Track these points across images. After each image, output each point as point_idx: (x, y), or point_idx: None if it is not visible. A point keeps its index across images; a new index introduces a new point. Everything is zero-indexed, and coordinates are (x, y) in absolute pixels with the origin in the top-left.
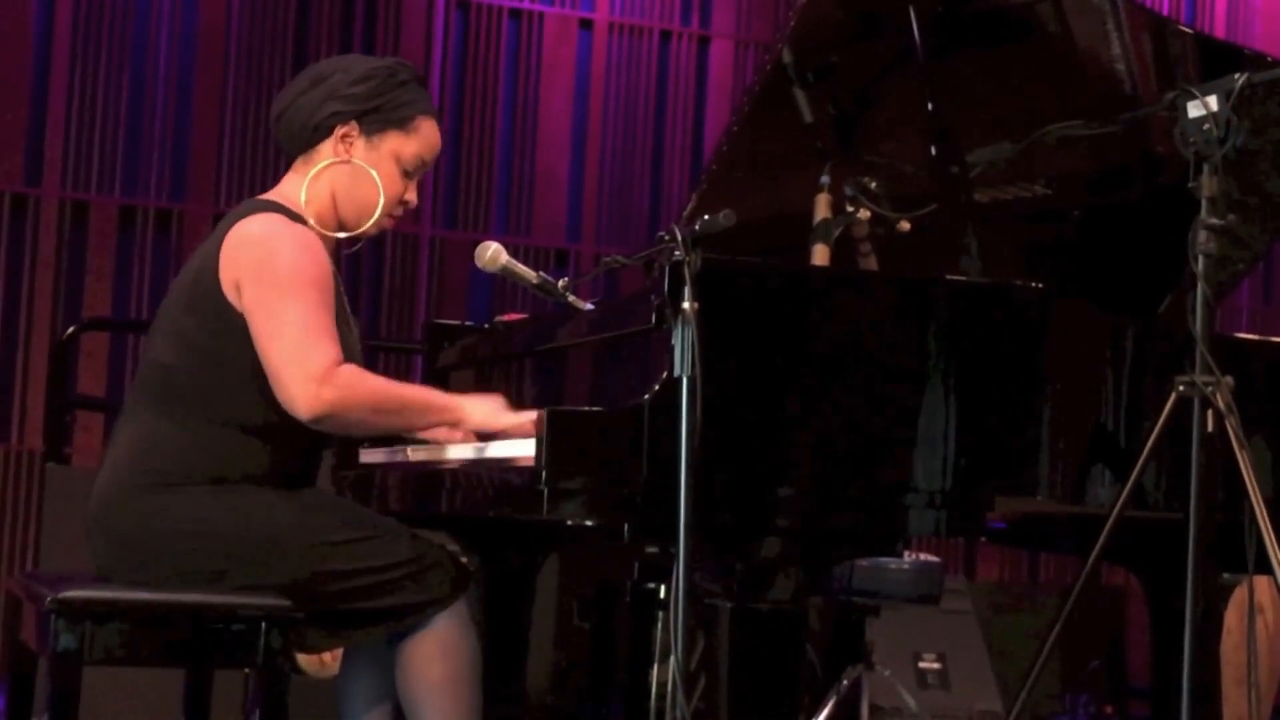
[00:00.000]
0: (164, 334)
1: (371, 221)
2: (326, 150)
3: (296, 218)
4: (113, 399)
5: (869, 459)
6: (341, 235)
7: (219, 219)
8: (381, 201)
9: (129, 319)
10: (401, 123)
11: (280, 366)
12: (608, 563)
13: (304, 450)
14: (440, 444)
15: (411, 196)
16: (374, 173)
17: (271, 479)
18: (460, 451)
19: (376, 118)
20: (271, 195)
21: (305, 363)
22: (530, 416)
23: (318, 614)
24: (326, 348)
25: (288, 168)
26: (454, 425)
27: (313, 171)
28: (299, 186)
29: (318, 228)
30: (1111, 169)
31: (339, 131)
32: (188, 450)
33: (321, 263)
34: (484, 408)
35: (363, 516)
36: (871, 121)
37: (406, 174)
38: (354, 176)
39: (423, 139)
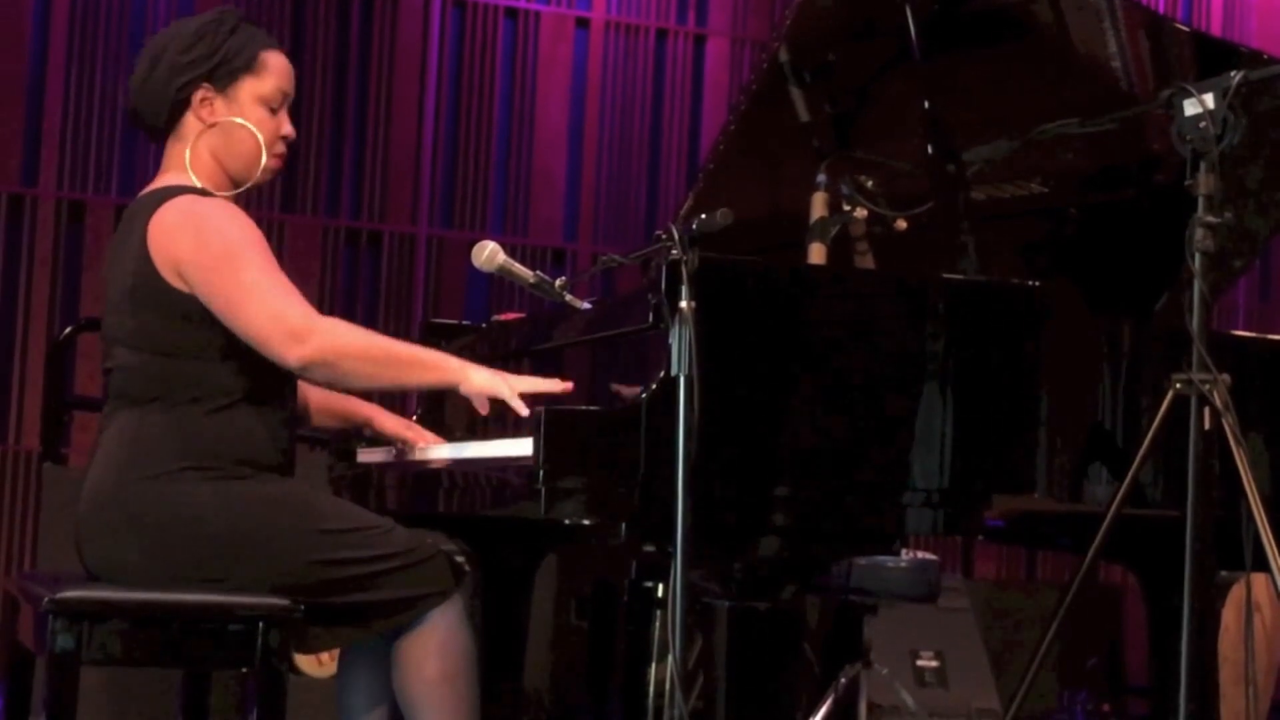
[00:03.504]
0: (120, 341)
1: (260, 168)
2: (191, 121)
3: (200, 193)
4: None
5: (866, 458)
6: (240, 191)
7: None
8: (262, 146)
9: None
10: (248, 66)
11: (259, 328)
12: (605, 562)
13: (280, 427)
14: (429, 445)
15: (288, 130)
16: (243, 122)
17: (261, 462)
18: (457, 451)
19: (223, 71)
20: (159, 184)
21: (286, 317)
22: (541, 384)
23: (314, 610)
24: (297, 301)
25: (160, 153)
26: (452, 385)
27: (189, 145)
28: (182, 165)
29: (219, 194)
30: (1108, 167)
31: (196, 97)
32: (178, 437)
33: (249, 224)
34: (486, 373)
35: (356, 510)
36: (868, 120)
37: (272, 110)
38: (226, 133)
39: (273, 72)
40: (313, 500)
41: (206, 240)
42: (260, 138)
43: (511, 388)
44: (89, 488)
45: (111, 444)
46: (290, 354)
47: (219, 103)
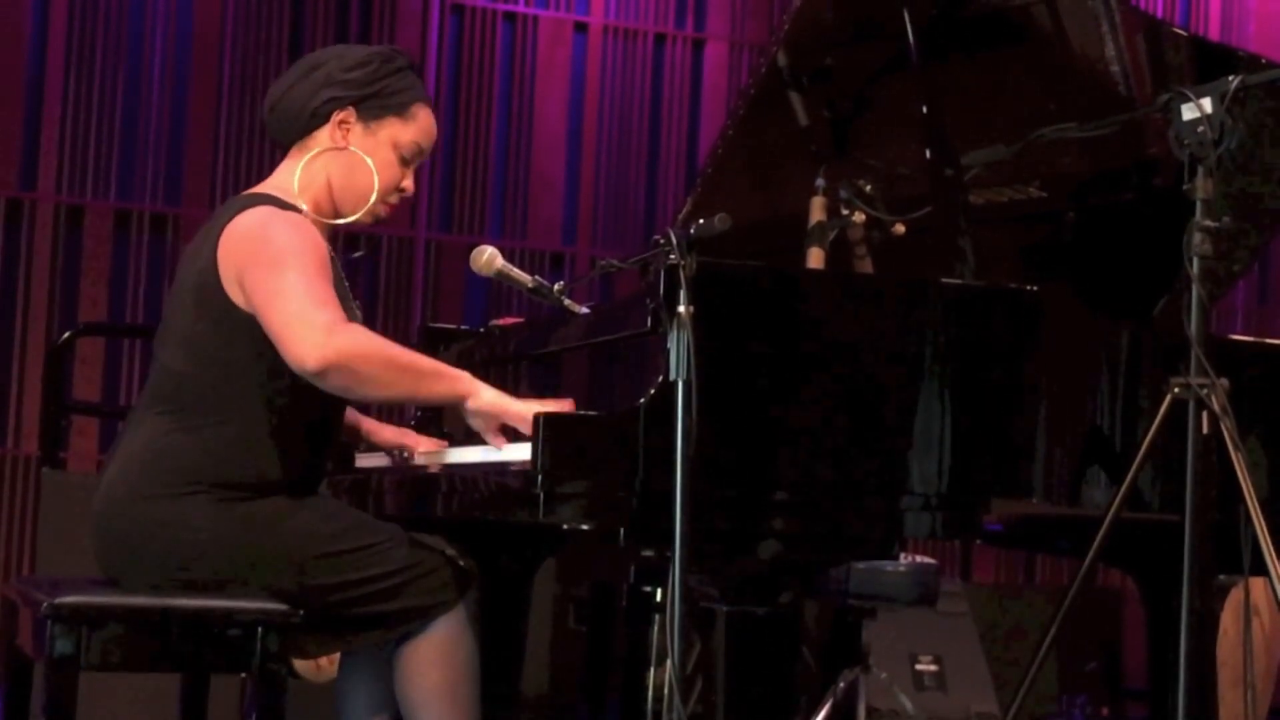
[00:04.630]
0: (174, 340)
1: (365, 209)
2: (323, 137)
3: (289, 207)
4: (108, 404)
5: (865, 462)
6: (339, 222)
7: None
8: (376, 189)
9: (124, 324)
10: (400, 109)
11: (285, 324)
12: (604, 566)
13: (312, 455)
14: (437, 450)
15: (409, 185)
16: (369, 160)
17: (280, 485)
18: (456, 456)
19: (374, 103)
20: (263, 187)
21: (311, 318)
22: (550, 406)
23: (318, 620)
24: (332, 308)
25: (282, 158)
26: (462, 398)
27: (307, 157)
28: (292, 173)
29: (312, 214)
30: (1106, 171)
31: (337, 118)
32: (198, 458)
33: (316, 240)
34: (494, 391)
35: (363, 523)
36: (866, 124)
37: (404, 161)
38: (350, 163)
39: (420, 126)
40: (323, 518)
41: (266, 244)
42: (378, 180)
43: (520, 408)
44: (104, 489)
45: (133, 449)
46: (310, 357)
47: (357, 131)
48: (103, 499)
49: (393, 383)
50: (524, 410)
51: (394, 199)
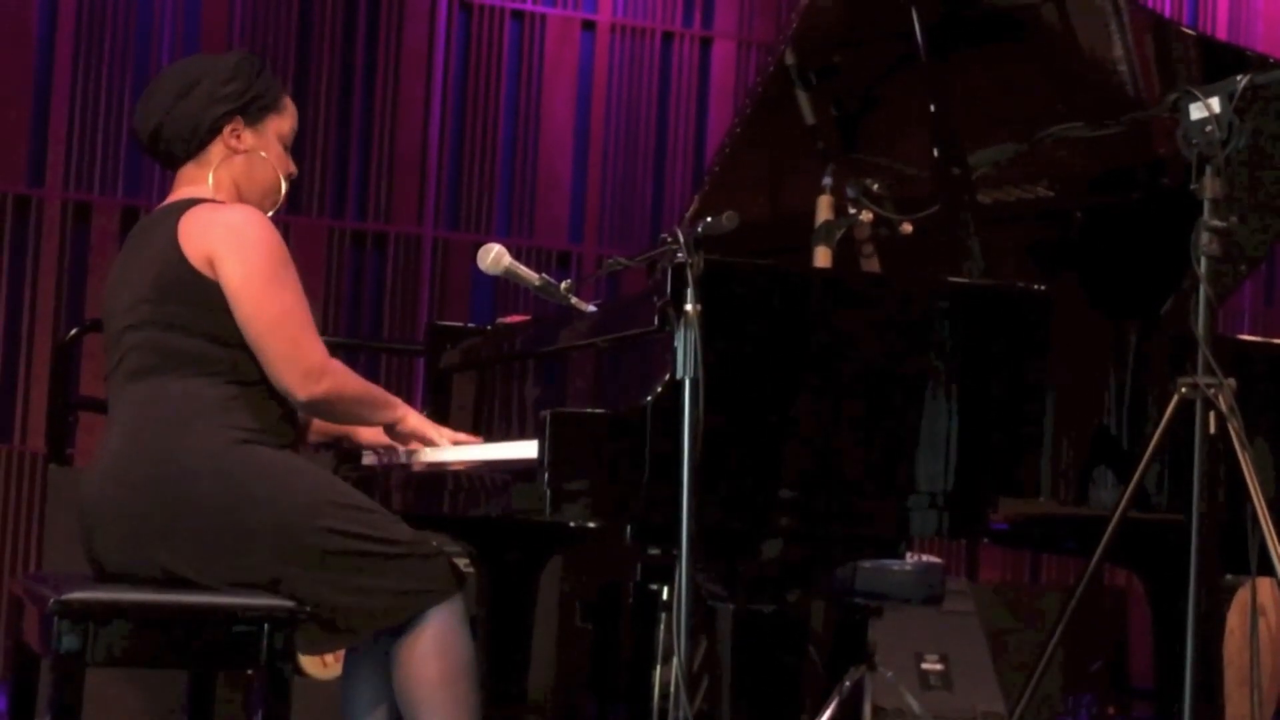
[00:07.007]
0: (135, 329)
1: (278, 201)
2: (218, 148)
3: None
4: None
5: (871, 461)
6: None
7: None
8: (281, 181)
9: None
10: (274, 106)
11: (278, 358)
12: (610, 564)
13: (293, 414)
14: (437, 446)
15: (293, 168)
16: (267, 157)
17: (272, 431)
18: (464, 453)
19: (255, 107)
20: (179, 196)
21: (302, 357)
22: (461, 438)
23: (318, 604)
24: (318, 343)
25: (173, 176)
26: (395, 423)
27: (212, 169)
28: (204, 186)
29: None
30: (1114, 170)
31: (228, 129)
32: (193, 397)
33: (281, 239)
34: (418, 416)
35: (366, 497)
36: (874, 123)
37: (287, 148)
38: (251, 164)
39: (291, 113)
40: (330, 476)
41: (248, 244)
42: (280, 173)
43: (439, 433)
44: (102, 466)
45: (124, 416)
46: (301, 390)
47: (247, 135)
48: (102, 475)
49: (355, 416)
50: (437, 436)
51: (286, 186)
